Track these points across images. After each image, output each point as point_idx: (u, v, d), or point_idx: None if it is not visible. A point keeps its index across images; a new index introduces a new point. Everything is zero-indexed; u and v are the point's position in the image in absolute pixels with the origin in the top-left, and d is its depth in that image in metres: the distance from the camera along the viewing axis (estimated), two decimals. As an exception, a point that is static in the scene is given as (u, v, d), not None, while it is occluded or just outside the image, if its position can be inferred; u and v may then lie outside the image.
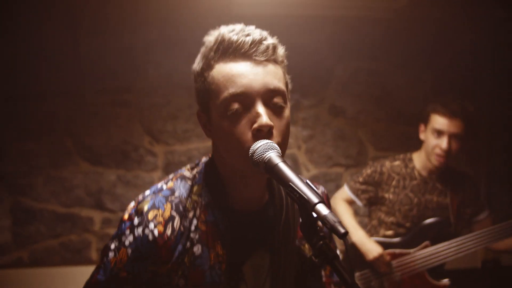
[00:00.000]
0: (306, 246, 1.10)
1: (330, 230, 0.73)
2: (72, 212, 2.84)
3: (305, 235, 0.80)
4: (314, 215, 0.76)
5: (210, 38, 0.94)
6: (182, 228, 0.97)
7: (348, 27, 2.96)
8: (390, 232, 2.21)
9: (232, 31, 0.91)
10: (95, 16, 2.78)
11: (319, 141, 3.01)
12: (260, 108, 0.88)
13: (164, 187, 1.02)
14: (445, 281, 2.16)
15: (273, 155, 0.84)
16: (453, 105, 2.03)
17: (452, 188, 2.18)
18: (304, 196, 0.77)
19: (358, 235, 2.16)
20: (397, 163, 2.21)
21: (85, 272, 1.10)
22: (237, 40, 0.90)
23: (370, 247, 2.12)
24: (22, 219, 2.81)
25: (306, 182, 0.81)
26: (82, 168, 2.85)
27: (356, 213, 2.80)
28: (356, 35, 2.97)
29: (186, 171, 1.06)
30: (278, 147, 0.87)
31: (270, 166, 0.83)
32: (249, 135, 0.88)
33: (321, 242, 0.77)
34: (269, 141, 0.87)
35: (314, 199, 0.76)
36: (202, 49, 0.96)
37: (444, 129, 2.04)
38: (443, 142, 2.04)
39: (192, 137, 2.91)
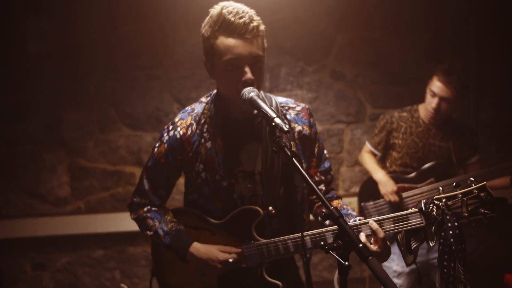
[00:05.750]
0: (292, 143, 1.58)
1: (280, 130, 1.24)
2: (118, 169, 3.40)
3: (269, 135, 1.32)
4: (273, 124, 1.26)
5: (214, 12, 1.40)
6: (198, 131, 1.54)
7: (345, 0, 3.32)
8: (400, 170, 2.62)
9: (230, 14, 1.37)
10: (129, 3, 3.26)
11: (322, 101, 3.42)
12: (247, 68, 1.39)
13: (189, 108, 1.60)
14: None
15: (253, 95, 1.36)
16: (450, 76, 2.37)
17: (453, 134, 2.55)
18: (267, 114, 1.29)
19: (378, 175, 2.62)
20: (404, 114, 2.62)
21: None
22: (233, 22, 1.36)
23: (387, 184, 2.56)
24: (78, 176, 3.38)
25: (271, 108, 1.31)
26: (124, 132, 3.39)
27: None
28: (352, 7, 3.33)
29: (203, 98, 1.63)
30: (257, 90, 1.39)
31: (252, 101, 1.35)
32: (239, 84, 1.40)
33: (278, 138, 1.27)
34: (251, 87, 1.38)
35: (273, 115, 1.27)
36: (208, 19, 1.42)
37: (437, 92, 2.42)
38: (433, 102, 2.44)
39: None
